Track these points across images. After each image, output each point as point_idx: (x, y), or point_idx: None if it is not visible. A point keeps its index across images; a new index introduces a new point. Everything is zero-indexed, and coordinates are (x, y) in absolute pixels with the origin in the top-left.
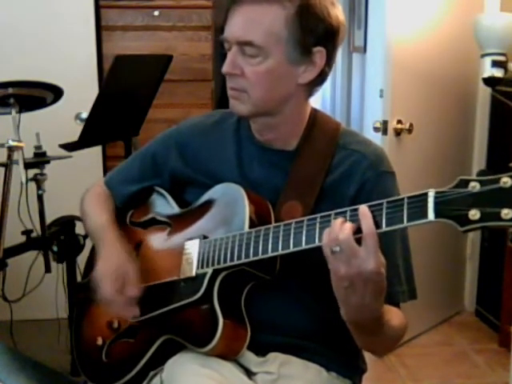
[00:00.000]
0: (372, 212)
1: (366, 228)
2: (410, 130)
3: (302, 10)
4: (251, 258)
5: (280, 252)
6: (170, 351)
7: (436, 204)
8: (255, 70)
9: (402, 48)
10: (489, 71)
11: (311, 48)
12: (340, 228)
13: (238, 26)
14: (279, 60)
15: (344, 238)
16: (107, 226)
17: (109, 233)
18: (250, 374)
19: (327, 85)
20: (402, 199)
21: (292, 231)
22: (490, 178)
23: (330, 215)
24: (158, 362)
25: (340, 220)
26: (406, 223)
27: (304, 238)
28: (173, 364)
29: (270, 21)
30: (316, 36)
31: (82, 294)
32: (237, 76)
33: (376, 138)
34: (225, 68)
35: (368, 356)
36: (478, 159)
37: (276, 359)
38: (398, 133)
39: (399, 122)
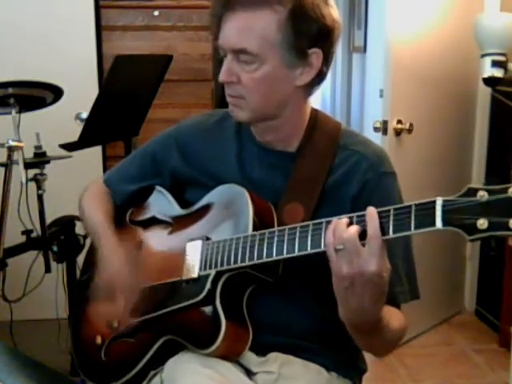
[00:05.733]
0: (379, 218)
1: (371, 230)
2: (409, 130)
3: (294, 12)
4: (255, 261)
5: (285, 256)
6: (171, 351)
7: (444, 212)
8: (251, 77)
9: (401, 48)
10: (489, 71)
11: (306, 50)
12: (345, 227)
13: (231, 34)
14: (275, 65)
15: (349, 236)
16: (102, 226)
17: (104, 234)
18: (250, 373)
19: (327, 85)
20: (410, 206)
21: (297, 235)
22: (498, 187)
23: None
24: (159, 361)
25: (345, 220)
26: (413, 230)
27: (309, 243)
28: (173, 363)
29: (263, 27)
30: (310, 37)
31: (81, 292)
32: (234, 83)
33: (376, 138)
34: (221, 76)
35: (368, 356)
36: (478, 159)
37: (276, 359)
38: (398, 133)
39: (399, 121)
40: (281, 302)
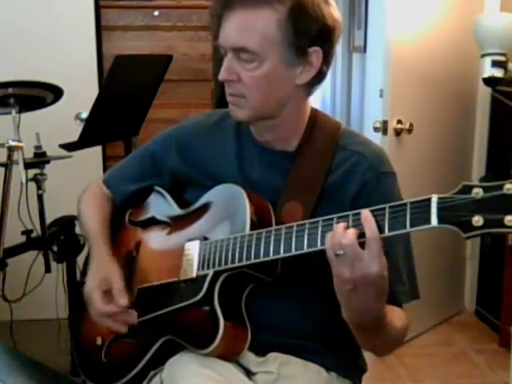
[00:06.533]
0: (375, 216)
1: (369, 232)
2: (409, 130)
3: (294, 11)
4: (252, 261)
5: (282, 255)
6: (170, 351)
7: (439, 210)
8: (252, 75)
9: (401, 48)
10: (489, 71)
11: (306, 49)
12: (343, 232)
13: (231, 32)
14: (275, 63)
15: (347, 242)
16: (94, 234)
17: (96, 243)
18: (249, 373)
19: (327, 85)
20: (405, 204)
21: (294, 234)
22: (493, 184)
23: (332, 219)
24: (159, 362)
25: (342, 225)
26: (408, 228)
27: (306, 242)
28: (173, 364)
29: (263, 25)
30: (310, 36)
31: (81, 292)
32: (234, 82)
33: (376, 138)
34: (221, 75)
35: (368, 356)
36: (478, 159)
37: (276, 359)
38: (398, 133)
39: (399, 121)
40: (280, 301)
